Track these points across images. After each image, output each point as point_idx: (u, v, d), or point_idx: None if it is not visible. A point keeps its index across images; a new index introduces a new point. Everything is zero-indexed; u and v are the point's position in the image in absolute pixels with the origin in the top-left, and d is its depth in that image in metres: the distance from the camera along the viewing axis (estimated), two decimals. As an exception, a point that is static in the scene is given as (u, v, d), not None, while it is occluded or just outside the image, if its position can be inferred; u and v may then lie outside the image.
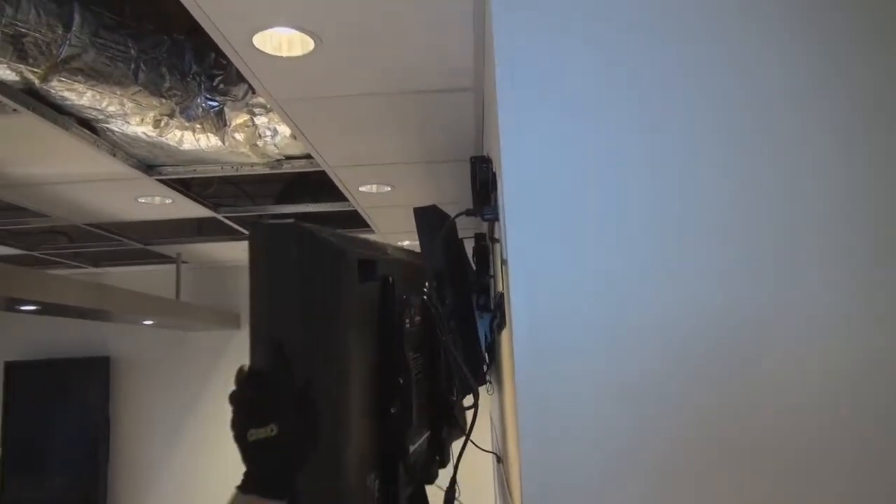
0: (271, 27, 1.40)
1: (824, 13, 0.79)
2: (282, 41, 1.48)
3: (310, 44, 1.48)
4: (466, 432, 0.93)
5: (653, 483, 0.74)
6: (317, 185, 3.07)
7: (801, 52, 0.79)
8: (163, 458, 4.96)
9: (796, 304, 0.75)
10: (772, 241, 0.76)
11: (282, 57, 1.53)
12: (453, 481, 0.96)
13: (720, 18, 0.81)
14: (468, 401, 0.99)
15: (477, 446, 1.00)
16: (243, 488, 0.74)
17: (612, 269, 0.78)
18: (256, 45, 1.48)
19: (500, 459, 1.39)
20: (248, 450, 0.74)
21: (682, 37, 0.81)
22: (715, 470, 0.73)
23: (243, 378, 0.76)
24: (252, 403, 0.75)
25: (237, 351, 4.95)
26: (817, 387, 0.73)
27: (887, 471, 0.72)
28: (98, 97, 2.00)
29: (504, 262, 0.92)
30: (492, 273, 1.45)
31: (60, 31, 1.69)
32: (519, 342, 0.79)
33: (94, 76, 1.91)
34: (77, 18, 1.71)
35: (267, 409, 0.74)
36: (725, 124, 0.79)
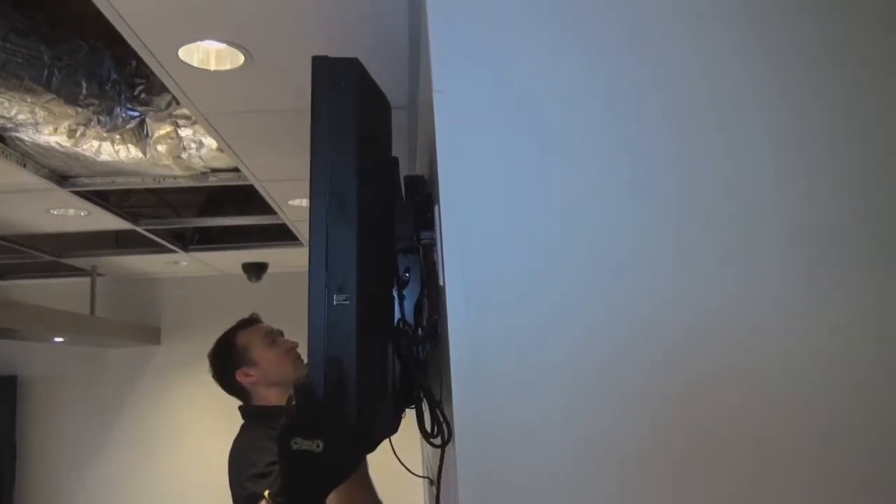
0: (199, 40, 1.36)
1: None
2: (210, 54, 1.43)
3: (239, 58, 1.44)
4: (401, 462, 0.93)
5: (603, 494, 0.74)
6: (243, 196, 2.99)
7: (759, 41, 0.82)
8: (75, 485, 4.67)
9: (748, 296, 0.77)
10: (724, 235, 0.78)
11: (209, 70, 1.48)
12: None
13: (669, 16, 0.82)
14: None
15: (412, 474, 0.99)
16: (274, 497, 0.74)
17: (553, 294, 0.79)
18: (182, 58, 1.42)
19: (433, 482, 1.38)
20: (289, 457, 0.75)
21: (626, 41, 0.82)
22: (675, 471, 0.74)
23: (300, 386, 0.77)
24: (303, 413, 0.76)
25: (157, 368, 4.74)
26: (772, 378, 0.76)
27: (837, 457, 0.75)
28: (6, 105, 1.88)
29: (441, 287, 0.92)
30: (425, 293, 1.44)
31: (-35, 35, 1.58)
32: (457, 366, 0.78)
33: (2, 83, 1.79)
34: (-17, 22, 1.61)
35: (317, 425, 0.76)
36: (677, 118, 0.80)
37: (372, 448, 0.94)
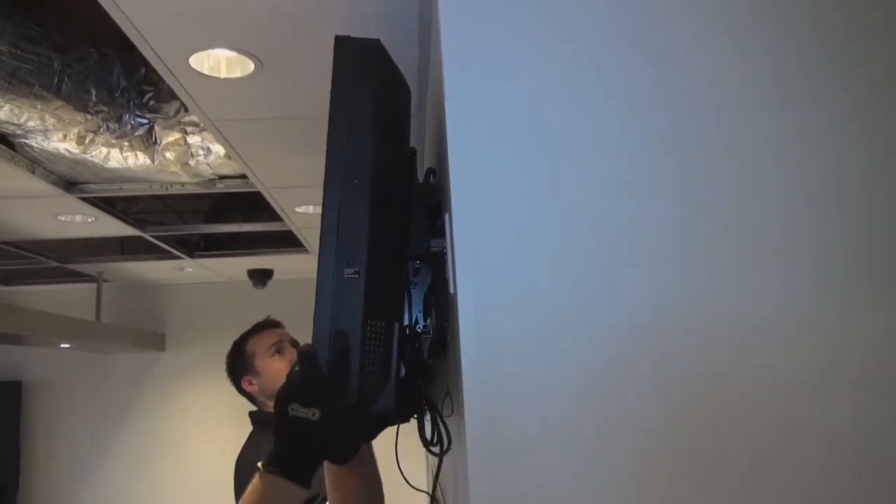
0: (210, 48, 1.36)
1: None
2: (220, 62, 1.44)
3: (249, 66, 1.45)
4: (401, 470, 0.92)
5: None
6: (248, 202, 3.00)
7: (765, 50, 0.82)
8: (79, 490, 4.67)
9: (752, 297, 0.77)
10: (727, 237, 0.78)
11: (219, 78, 1.49)
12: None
13: (678, 19, 0.82)
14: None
15: (415, 488, 0.98)
16: (268, 465, 0.74)
17: (564, 299, 0.79)
18: (192, 66, 1.43)
19: (434, 499, 1.37)
20: (285, 423, 0.75)
21: (632, 48, 0.82)
22: (679, 479, 0.74)
23: (304, 354, 0.77)
24: (303, 380, 0.76)
25: (162, 374, 4.74)
26: (776, 380, 0.75)
27: (831, 472, 0.74)
28: (17, 111, 1.89)
29: (451, 294, 0.92)
30: (433, 299, 1.44)
31: (-23, 43, 1.60)
32: (468, 372, 0.78)
33: (13, 89, 1.80)
34: (-5, 29, 1.62)
35: (315, 394, 0.76)
36: (681, 122, 0.80)
37: (373, 433, 0.93)
